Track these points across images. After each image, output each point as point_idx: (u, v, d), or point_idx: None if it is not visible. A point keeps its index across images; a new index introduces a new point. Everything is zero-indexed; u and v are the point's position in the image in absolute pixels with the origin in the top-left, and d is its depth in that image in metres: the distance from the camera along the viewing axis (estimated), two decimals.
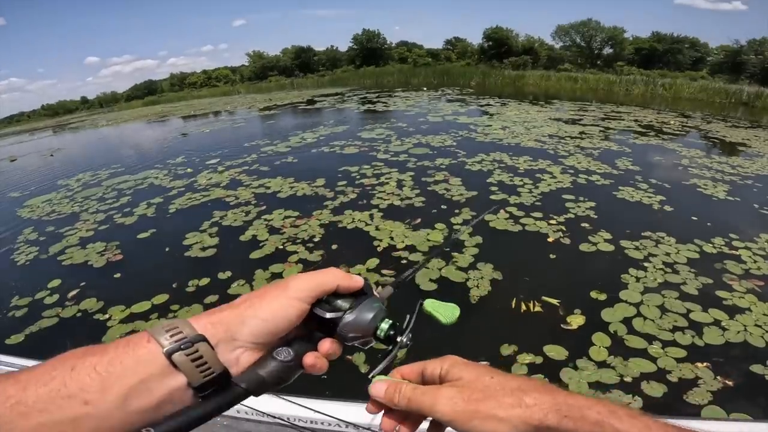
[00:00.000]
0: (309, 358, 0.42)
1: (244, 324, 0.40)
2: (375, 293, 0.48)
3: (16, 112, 53.52)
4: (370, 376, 0.44)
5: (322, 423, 1.29)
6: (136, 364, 0.35)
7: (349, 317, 0.44)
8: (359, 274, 0.47)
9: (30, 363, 1.61)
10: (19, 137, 22.09)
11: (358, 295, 0.46)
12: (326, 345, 0.44)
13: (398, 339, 0.45)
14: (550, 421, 0.35)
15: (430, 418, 0.43)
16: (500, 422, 0.36)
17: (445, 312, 0.48)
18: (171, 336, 0.36)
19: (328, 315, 0.44)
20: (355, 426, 1.26)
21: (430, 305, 0.49)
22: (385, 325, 0.45)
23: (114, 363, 0.34)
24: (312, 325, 0.44)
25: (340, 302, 0.45)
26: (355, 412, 1.27)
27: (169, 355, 0.35)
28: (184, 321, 0.38)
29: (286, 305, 0.42)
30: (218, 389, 0.38)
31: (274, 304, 0.41)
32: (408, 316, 0.47)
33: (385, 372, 0.45)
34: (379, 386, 0.43)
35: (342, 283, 0.45)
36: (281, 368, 0.41)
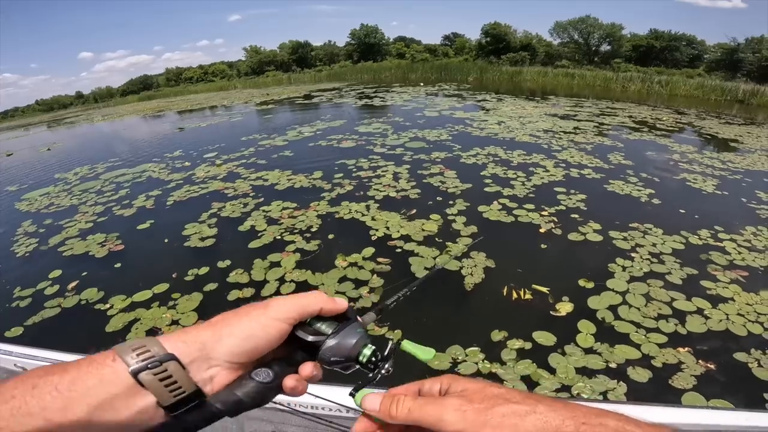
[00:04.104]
0: (289, 381, 0.41)
1: (220, 342, 0.39)
2: (358, 318, 0.48)
3: (10, 108, 53.33)
4: (350, 394, 0.45)
5: (323, 408, 1.28)
6: (100, 383, 0.34)
7: (331, 342, 0.43)
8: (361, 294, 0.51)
9: (33, 352, 1.66)
10: (14, 132, 21.98)
11: (341, 319, 0.46)
12: (308, 368, 0.43)
13: (380, 365, 0.44)
14: (567, 428, 0.32)
15: None
16: (514, 429, 0.33)
17: (422, 353, 0.47)
18: (138, 355, 0.36)
19: (310, 338, 0.43)
20: (356, 411, 1.28)
21: (408, 345, 0.48)
22: (367, 351, 0.44)
23: (76, 382, 0.33)
24: (293, 347, 0.44)
25: (322, 326, 0.44)
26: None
27: (135, 374, 0.35)
28: (152, 339, 0.38)
29: (267, 325, 0.40)
30: (191, 408, 0.37)
31: (254, 323, 0.40)
32: (390, 343, 0.46)
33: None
34: (372, 399, 0.41)
35: (325, 307, 0.44)
36: (259, 389, 0.40)
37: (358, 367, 0.45)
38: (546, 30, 44.73)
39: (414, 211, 4.26)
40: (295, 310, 0.42)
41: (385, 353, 0.45)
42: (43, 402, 0.32)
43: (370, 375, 0.45)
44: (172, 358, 0.37)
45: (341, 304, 0.45)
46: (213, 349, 0.39)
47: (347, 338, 0.44)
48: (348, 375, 0.46)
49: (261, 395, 0.40)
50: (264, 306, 0.42)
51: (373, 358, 0.44)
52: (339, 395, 1.27)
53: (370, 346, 0.44)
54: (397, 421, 0.39)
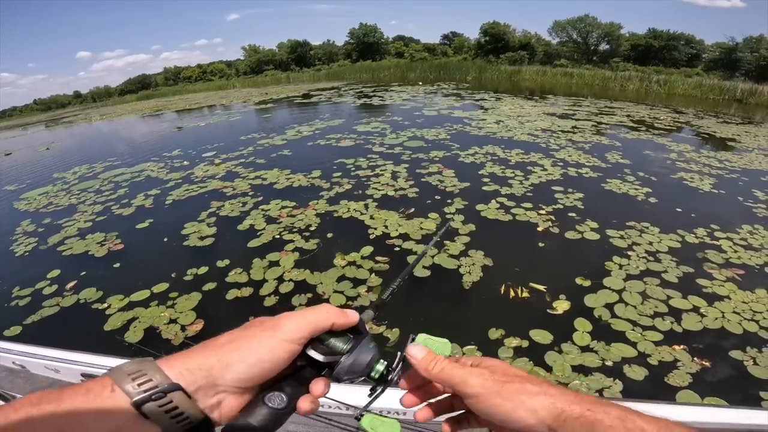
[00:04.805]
0: (304, 404, 0.39)
1: (228, 369, 0.37)
2: (367, 329, 0.46)
3: (8, 107, 53.25)
4: (360, 413, 0.43)
5: (321, 405, 1.29)
6: (98, 415, 0.32)
7: (346, 361, 0.41)
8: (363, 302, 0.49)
9: (31, 350, 1.66)
10: (12, 132, 21.94)
11: (352, 332, 0.44)
12: (320, 387, 0.41)
13: (390, 378, 0.44)
14: (572, 411, 0.36)
15: (443, 418, 0.45)
16: (521, 404, 0.37)
17: (436, 346, 0.46)
18: (139, 384, 0.33)
19: (324, 359, 0.41)
20: (356, 408, 1.26)
21: (423, 339, 0.46)
22: (380, 367, 0.43)
23: (73, 415, 0.31)
24: (301, 363, 0.41)
25: (336, 343, 0.42)
26: (354, 394, 1.26)
27: (137, 406, 0.33)
28: (151, 364, 0.35)
29: (276, 348, 0.38)
30: None
31: (263, 347, 0.38)
32: (399, 354, 0.45)
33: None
34: (419, 349, 0.44)
35: (337, 322, 0.42)
36: (274, 416, 0.37)
37: (365, 378, 0.43)
38: (545, 29, 44.89)
39: (412, 209, 4.27)
40: (306, 329, 0.40)
41: (394, 365, 0.44)
42: None
43: (380, 388, 0.44)
44: (178, 387, 0.34)
45: (352, 316, 0.44)
46: (220, 375, 0.36)
47: (361, 356, 0.42)
48: None
49: (275, 421, 0.38)
50: (273, 327, 0.39)
51: (385, 372, 0.43)
52: (338, 393, 1.27)
53: (382, 361, 0.44)
54: (430, 376, 0.43)
